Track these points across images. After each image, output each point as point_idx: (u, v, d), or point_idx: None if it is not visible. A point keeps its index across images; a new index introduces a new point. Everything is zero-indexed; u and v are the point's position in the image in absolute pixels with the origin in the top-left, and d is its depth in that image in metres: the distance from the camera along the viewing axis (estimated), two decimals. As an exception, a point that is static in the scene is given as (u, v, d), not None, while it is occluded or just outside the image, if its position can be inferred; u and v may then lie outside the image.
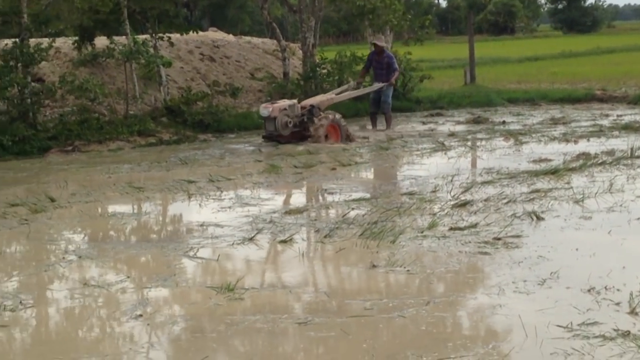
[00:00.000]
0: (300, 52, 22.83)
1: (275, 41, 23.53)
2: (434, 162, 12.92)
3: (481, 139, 15.68)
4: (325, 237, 8.06)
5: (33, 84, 17.29)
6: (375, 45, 18.34)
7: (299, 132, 15.64)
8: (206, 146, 16.68)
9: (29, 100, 16.62)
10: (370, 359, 4.87)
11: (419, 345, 5.09)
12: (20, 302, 6.21)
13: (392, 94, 18.52)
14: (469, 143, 15.25)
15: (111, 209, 10.10)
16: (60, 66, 19.84)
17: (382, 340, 5.23)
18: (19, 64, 16.67)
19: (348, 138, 15.93)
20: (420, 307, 5.82)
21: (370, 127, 18.33)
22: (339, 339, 5.25)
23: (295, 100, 16.16)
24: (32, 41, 17.40)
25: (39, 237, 8.56)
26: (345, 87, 18.50)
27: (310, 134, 15.53)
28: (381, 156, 14.13)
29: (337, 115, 16.00)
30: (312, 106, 15.88)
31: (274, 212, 9.39)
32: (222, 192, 10.92)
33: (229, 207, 9.85)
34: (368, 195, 10.30)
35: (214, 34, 26.35)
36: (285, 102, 15.88)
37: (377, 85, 17.87)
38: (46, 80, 18.83)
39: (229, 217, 9.23)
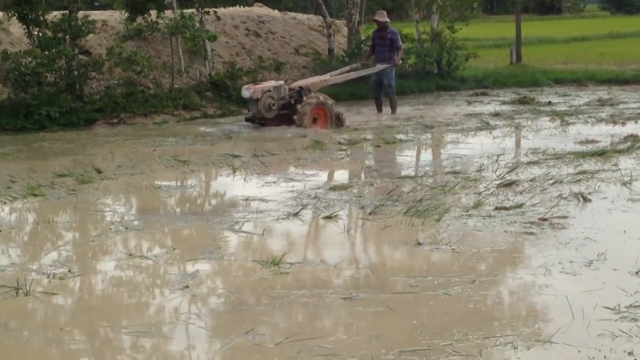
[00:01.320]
0: (345, 29, 22.76)
1: (320, 18, 23.49)
2: (479, 142, 12.86)
3: (527, 119, 15.56)
4: (370, 214, 8.05)
5: (80, 56, 17.42)
6: (376, 21, 17.35)
7: (287, 115, 14.71)
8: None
9: (76, 72, 16.77)
10: (419, 335, 4.86)
11: (464, 323, 5.07)
12: (69, 271, 6.27)
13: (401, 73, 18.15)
14: (515, 123, 15.12)
15: (157, 181, 10.17)
16: (107, 39, 19.93)
17: (428, 317, 5.21)
18: (67, 36, 16.80)
19: (339, 122, 15.03)
20: (465, 285, 5.80)
21: (375, 111, 17.40)
22: (384, 315, 5.24)
23: (282, 82, 15.32)
24: (80, 14, 17.52)
25: (86, 208, 8.63)
26: (346, 68, 17.60)
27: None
28: (425, 134, 14.10)
29: (326, 98, 15.03)
30: (300, 88, 15.05)
31: (319, 188, 9.40)
32: (266, 167, 10.96)
33: (274, 182, 9.87)
34: (412, 173, 10.27)
35: (259, 10, 26.31)
36: (270, 83, 15.08)
37: (378, 67, 16.86)
38: (93, 53, 18.94)
39: (274, 192, 9.25)
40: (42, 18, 16.60)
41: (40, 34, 16.56)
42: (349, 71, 17.08)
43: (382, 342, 4.76)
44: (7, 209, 8.70)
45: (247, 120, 15.14)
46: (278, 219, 7.95)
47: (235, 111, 17.98)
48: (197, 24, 19.02)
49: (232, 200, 9.11)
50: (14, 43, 18.11)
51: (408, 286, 5.80)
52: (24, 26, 16.87)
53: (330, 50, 21.98)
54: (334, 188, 9.39)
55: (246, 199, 8.91)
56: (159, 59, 19.67)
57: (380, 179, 9.92)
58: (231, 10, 23.68)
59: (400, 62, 17.53)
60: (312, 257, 6.78)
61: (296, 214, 8.07)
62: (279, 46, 23.51)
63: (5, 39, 18.21)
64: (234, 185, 9.99)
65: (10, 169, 10.99)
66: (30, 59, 16.04)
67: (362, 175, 10.49)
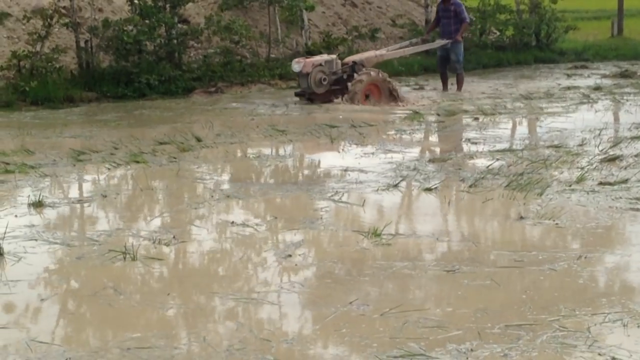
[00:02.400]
0: (443, -1, 22.50)
1: (417, -13, 23.25)
2: (580, 116, 12.62)
3: (629, 94, 15.20)
4: (470, 186, 7.96)
5: (179, 25, 17.61)
6: None
7: (339, 90, 14.31)
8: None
9: (175, 41, 16.96)
10: (525, 309, 4.79)
11: (572, 299, 4.98)
12: (173, 237, 6.35)
13: (464, 50, 16.62)
14: (616, 97, 14.79)
15: (256, 150, 10.23)
16: (205, 8, 20.09)
17: (533, 292, 5.13)
18: (167, 5, 16.98)
19: (395, 99, 14.31)
20: (571, 261, 5.69)
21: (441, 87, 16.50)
22: (489, 289, 5.18)
23: (334, 56, 14.84)
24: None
25: (188, 175, 8.74)
26: (405, 42, 17.13)
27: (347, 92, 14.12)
28: (525, 106, 13.89)
29: (379, 73, 14.32)
30: (354, 62, 14.51)
31: (417, 160, 9.35)
32: (364, 137, 10.92)
33: (372, 153, 9.84)
34: (513, 146, 10.13)
35: (356, -21, 26.18)
36: (322, 57, 14.64)
37: (439, 42, 16.00)
38: (192, 21, 19.12)
39: (372, 163, 9.22)
40: (143, -14, 16.80)
41: (141, 2, 16.76)
42: (407, 46, 16.51)
43: (487, 315, 4.70)
44: (111, 175, 8.86)
45: (296, 95, 14.62)
46: (378, 190, 7.92)
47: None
48: (295, -6, 19.03)
49: (331, 170, 9.10)
50: (115, 11, 18.38)
51: (512, 260, 5.72)
52: (125, -6, 17.12)
53: (427, 21, 21.72)
54: (433, 160, 9.33)
55: (345, 170, 8.91)
56: (256, 28, 19.76)
57: (480, 152, 9.81)
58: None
59: (461, 38, 16.10)
60: (413, 228, 6.73)
61: (396, 186, 8.04)
62: (375, 16, 23.40)
63: (107, 7, 18.49)
64: (333, 155, 9.98)
65: (112, 136, 11.18)
66: (131, 28, 16.26)
67: (461, 148, 10.38)
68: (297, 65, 14.05)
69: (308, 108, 13.95)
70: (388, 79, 14.36)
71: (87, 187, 8.51)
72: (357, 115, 12.74)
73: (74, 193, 8.18)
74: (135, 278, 5.54)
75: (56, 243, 6.25)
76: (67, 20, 16.33)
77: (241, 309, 4.93)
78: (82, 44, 16.32)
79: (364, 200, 7.47)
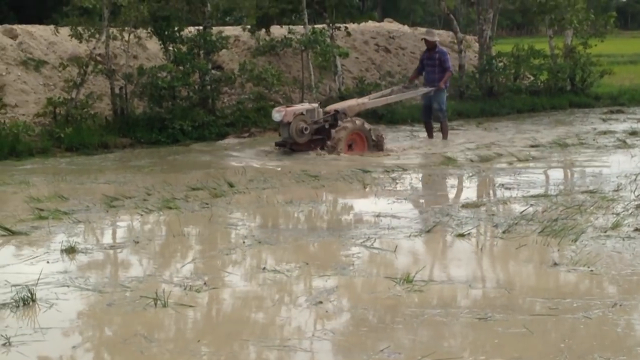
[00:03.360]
0: (476, 45, 22.58)
1: (450, 33, 23.35)
2: (616, 160, 12.55)
3: (666, 138, 15.10)
4: (504, 232, 7.93)
5: (213, 71, 17.78)
6: (425, 41, 15.96)
7: (321, 140, 13.72)
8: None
9: (209, 87, 17.13)
10: (560, 358, 4.75)
11: (607, 347, 4.93)
12: (204, 283, 6.36)
13: (447, 97, 16.04)
14: (653, 142, 14.71)
15: (288, 196, 10.24)
16: (239, 54, 20.28)
17: (568, 340, 5.08)
18: (201, 52, 17.18)
19: (377, 147, 13.88)
20: (606, 308, 5.64)
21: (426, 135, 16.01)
22: (523, 337, 5.14)
23: (316, 104, 14.28)
24: (214, 29, 17.89)
25: (220, 221, 8.76)
26: (387, 90, 16.34)
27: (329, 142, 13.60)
28: (559, 152, 13.84)
29: (363, 123, 13.88)
30: (336, 111, 13.93)
31: (451, 205, 9.32)
32: (397, 182, 10.93)
33: (405, 199, 9.83)
34: (547, 192, 10.08)
35: (389, 25, 26.34)
36: (303, 106, 14.05)
37: (422, 90, 15.52)
38: (225, 67, 19.30)
39: (405, 209, 9.22)
40: (177, 34, 17.03)
41: (176, 50, 16.97)
42: (390, 94, 15.86)
43: (521, 364, 4.67)
44: (143, 221, 8.92)
45: (277, 145, 14.07)
46: (410, 235, 7.91)
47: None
48: (328, 40, 19.17)
49: (363, 216, 9.10)
50: (150, 58, 18.61)
51: (546, 308, 5.68)
52: (160, 42, 17.34)
53: (461, 66, 21.81)
54: (466, 205, 9.30)
55: (377, 215, 8.90)
56: (289, 73, 19.90)
57: (513, 197, 9.76)
58: (361, 26, 23.79)
59: (444, 86, 15.50)
60: (446, 275, 6.70)
61: (428, 231, 8.02)
62: (409, 61, 23.48)
63: (142, 54, 18.73)
64: (365, 201, 9.99)
65: (146, 182, 11.25)
66: (165, 74, 16.44)
67: (495, 193, 10.35)
68: (277, 115, 13.57)
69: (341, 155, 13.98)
70: (372, 128, 14.02)
71: (119, 233, 8.55)
72: (389, 161, 12.78)
73: (106, 239, 8.22)
74: (167, 325, 5.54)
75: (88, 289, 6.28)
76: (102, 67, 16.54)
77: (273, 357, 4.93)
78: (116, 90, 16.51)
79: (396, 246, 7.45)
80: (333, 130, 13.57)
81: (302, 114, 13.52)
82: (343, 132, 13.51)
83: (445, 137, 15.57)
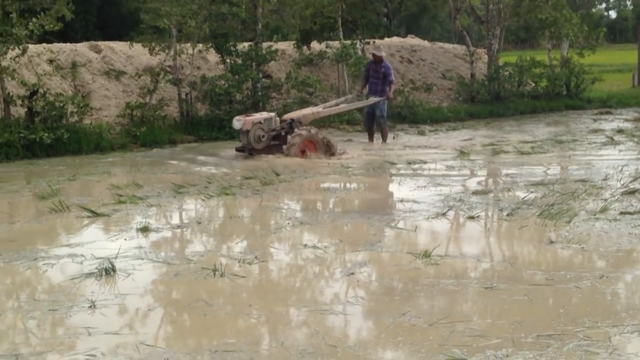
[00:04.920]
0: (485, 56, 22.41)
1: (464, 47, 23.18)
2: (605, 154, 12.43)
3: (648, 135, 14.89)
4: (508, 215, 7.87)
5: (263, 79, 17.80)
6: (374, 55, 15.14)
7: (278, 146, 12.97)
8: (403, 135, 16.68)
9: (260, 93, 17.14)
10: (554, 322, 4.71)
11: (595, 313, 4.88)
12: (255, 257, 6.38)
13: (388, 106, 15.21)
14: (637, 138, 14.51)
15: (326, 184, 10.24)
16: (285, 65, 20.28)
17: (562, 306, 5.03)
18: (254, 63, 17.21)
19: (329, 153, 12.91)
20: (595, 280, 5.59)
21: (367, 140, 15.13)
22: (524, 304, 5.10)
23: (273, 114, 13.43)
24: (264, 44, 17.91)
25: (268, 205, 8.77)
26: (341, 99, 15.41)
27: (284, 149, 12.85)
28: (558, 147, 13.71)
29: (314, 131, 13.03)
30: (292, 120, 13.22)
31: (463, 192, 9.27)
32: (418, 173, 10.89)
33: (424, 187, 9.79)
34: (545, 181, 9.98)
35: (412, 40, 26.20)
36: (261, 115, 13.23)
37: (372, 100, 14.55)
38: (273, 76, 19.31)
39: (424, 195, 9.17)
40: (233, 48, 17.07)
41: (232, 62, 17.01)
42: (344, 102, 14.94)
43: (522, 327, 4.63)
44: (205, 205, 8.95)
45: (237, 150, 13.24)
46: (428, 218, 7.87)
47: (391, 126, 17.90)
48: (359, 52, 19.14)
49: (388, 201, 9.09)
50: (210, 69, 18.66)
51: (544, 279, 5.63)
52: (219, 55, 17.38)
53: (472, 75, 21.69)
54: (476, 192, 9.24)
55: (401, 200, 8.88)
56: (327, 81, 19.90)
57: (517, 186, 9.68)
58: (388, 41, 23.68)
59: (393, 96, 15.17)
60: (458, 251, 6.66)
61: (444, 214, 7.98)
62: (428, 71, 23.37)
63: (204, 65, 18.79)
64: (391, 188, 9.96)
65: (207, 173, 11.28)
66: (223, 82, 16.49)
67: (501, 182, 10.27)
68: (237, 123, 12.86)
69: (371, 147, 13.96)
70: (323, 136, 13.09)
71: (185, 215, 8.59)
72: (411, 155, 12.74)
73: (174, 220, 8.27)
74: (224, 292, 5.57)
75: (159, 262, 6.33)
76: (171, 76, 16.63)
77: (312, 318, 4.94)
78: (183, 96, 16.60)
79: (416, 227, 7.44)
80: (289, 137, 12.84)
81: (260, 122, 12.85)
82: (298, 138, 12.75)
83: (384, 140, 14.81)
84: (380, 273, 5.98)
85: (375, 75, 14.68)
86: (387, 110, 14.84)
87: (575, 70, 22.84)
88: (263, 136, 12.78)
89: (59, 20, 13.82)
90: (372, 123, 14.87)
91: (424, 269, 6.00)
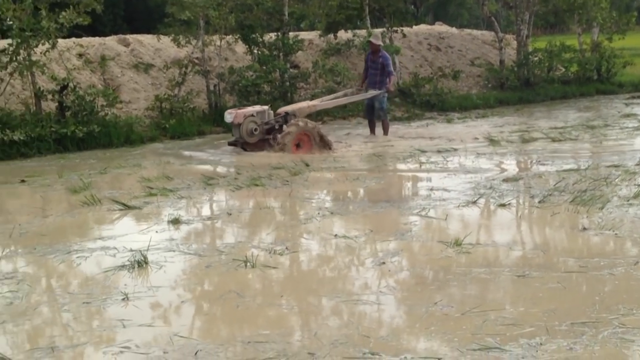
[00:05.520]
0: (515, 42, 22.26)
1: (492, 33, 23.05)
2: (637, 139, 12.28)
3: (681, 119, 14.71)
4: (539, 202, 7.81)
5: (291, 69, 17.81)
6: (370, 43, 14.51)
7: (273, 139, 12.50)
8: (432, 123, 16.64)
9: (287, 83, 17.17)
10: (588, 309, 4.67)
11: (629, 299, 4.82)
12: (286, 248, 6.39)
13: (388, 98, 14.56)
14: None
15: (355, 173, 10.23)
16: (312, 55, 20.26)
17: (596, 294, 4.99)
18: (281, 53, 17.22)
19: (324, 146, 12.43)
20: (629, 266, 5.53)
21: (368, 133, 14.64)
22: (557, 291, 5.06)
23: (266, 107, 12.92)
24: (291, 34, 17.93)
25: (298, 196, 8.78)
26: (340, 93, 14.91)
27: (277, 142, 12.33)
28: (590, 133, 13.58)
29: (308, 123, 12.40)
30: (286, 113, 12.78)
31: (494, 180, 9.21)
32: (448, 160, 10.85)
33: (454, 174, 9.75)
34: (577, 167, 9.90)
35: (440, 27, 26.07)
36: (254, 108, 12.72)
37: (371, 93, 13.99)
38: (301, 66, 19.31)
39: (454, 183, 9.13)
40: (260, 39, 17.10)
41: (259, 52, 17.04)
42: (342, 96, 14.41)
43: (555, 314, 4.60)
44: (234, 196, 8.99)
45: (229, 144, 12.89)
46: (459, 206, 7.84)
47: (420, 114, 18.01)
48: (387, 41, 19.06)
49: (418, 189, 9.06)
50: (238, 60, 18.70)
51: (577, 266, 5.58)
52: (246, 46, 17.43)
53: (501, 61, 21.55)
54: (507, 180, 9.18)
55: (431, 189, 8.84)
56: (354, 70, 19.83)
57: (548, 172, 9.61)
58: (415, 28, 23.56)
59: (393, 88, 14.63)
60: (489, 239, 6.62)
61: (474, 202, 7.94)
62: (457, 58, 23.25)
63: (231, 56, 18.82)
64: (421, 176, 9.93)
65: (235, 163, 11.31)
66: (251, 73, 16.53)
67: (532, 169, 10.20)
68: (229, 116, 12.44)
69: (403, 136, 13.92)
70: (318, 128, 12.54)
71: (215, 206, 8.64)
72: (443, 142, 12.69)
73: (204, 212, 8.31)
74: (255, 283, 5.58)
75: (190, 254, 6.36)
76: (199, 68, 16.69)
77: (344, 308, 4.94)
78: (211, 87, 16.65)
79: (447, 215, 7.40)
80: (284, 128, 12.42)
81: (252, 115, 12.40)
82: (288, 136, 12.17)
83: (385, 133, 14.25)
84: (411, 262, 5.97)
85: (373, 66, 14.14)
86: (386, 102, 14.27)
87: (606, 55, 22.64)
88: (255, 129, 12.36)
89: (89, 13, 13.91)
90: (372, 115, 14.40)
91: (456, 258, 5.97)
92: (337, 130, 15.26)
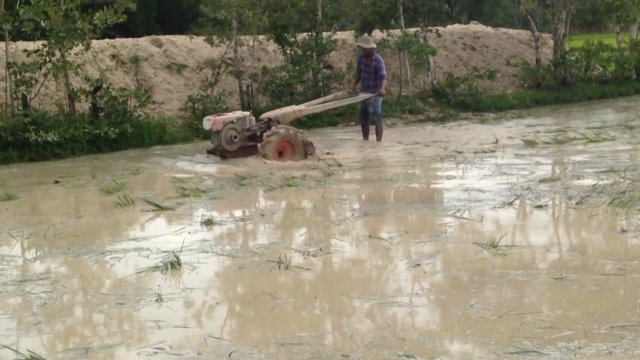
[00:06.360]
0: (551, 41, 22.08)
1: (528, 32, 22.88)
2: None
3: None
4: (577, 203, 7.73)
5: (324, 70, 17.82)
6: (361, 48, 13.92)
7: (254, 147, 11.82)
8: (466, 123, 16.55)
9: (320, 83, 17.18)
10: (628, 313, 4.61)
11: (670, 303, 4.78)
12: (320, 249, 6.39)
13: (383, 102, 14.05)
14: None
15: (389, 174, 10.20)
16: (346, 55, 20.26)
17: (637, 297, 4.93)
18: (314, 53, 17.24)
19: (308, 154, 11.82)
20: (670, 269, 5.47)
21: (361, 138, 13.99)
22: (595, 294, 5.00)
23: (248, 113, 12.42)
24: (324, 34, 17.93)
25: (331, 197, 8.78)
26: (330, 96, 14.22)
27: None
28: (628, 133, 13.42)
29: (291, 130, 11.80)
30: (269, 119, 12.19)
31: (530, 181, 9.14)
32: (484, 161, 10.78)
33: (490, 175, 9.69)
34: (616, 168, 9.78)
35: (474, 27, 25.93)
36: (234, 114, 12.20)
37: (361, 96, 13.43)
38: (334, 66, 19.31)
39: (490, 184, 9.07)
40: (293, 39, 17.13)
41: (292, 52, 17.07)
42: (332, 100, 13.77)
43: (594, 318, 4.55)
44: (268, 197, 9.01)
45: (208, 152, 12.23)
46: (494, 207, 7.78)
47: (454, 114, 17.92)
48: (421, 40, 19.01)
49: (453, 190, 9.00)
50: (271, 60, 18.74)
51: (616, 269, 5.52)
52: (279, 46, 17.47)
53: (538, 61, 21.39)
54: (544, 181, 9.10)
55: (466, 189, 8.79)
56: (388, 70, 19.77)
57: (586, 173, 9.51)
58: (450, 28, 23.46)
59: (385, 92, 13.92)
60: (526, 241, 6.57)
61: (510, 203, 7.88)
62: (492, 58, 23.11)
63: (264, 57, 18.87)
64: (456, 177, 9.87)
65: (269, 164, 11.33)
66: (284, 73, 16.57)
67: (570, 170, 10.10)
68: (207, 123, 11.85)
69: (438, 137, 13.86)
70: (301, 134, 11.89)
71: (248, 207, 8.65)
72: (476, 144, 12.61)
73: (237, 212, 8.33)
74: (289, 284, 5.59)
75: (223, 255, 6.38)
76: (232, 69, 16.76)
77: (378, 310, 4.92)
78: (244, 88, 16.72)
79: (482, 217, 7.35)
80: (265, 136, 11.71)
81: (232, 122, 11.84)
82: (268, 145, 11.55)
83: (379, 139, 13.57)
84: (446, 264, 5.93)
85: (366, 69, 13.54)
86: (380, 106, 13.67)
87: (645, 52, 22.40)
88: (235, 137, 11.77)
89: (124, 12, 14.02)
90: (365, 120, 13.79)
91: (491, 260, 5.93)
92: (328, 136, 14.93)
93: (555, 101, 20.12)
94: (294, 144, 11.75)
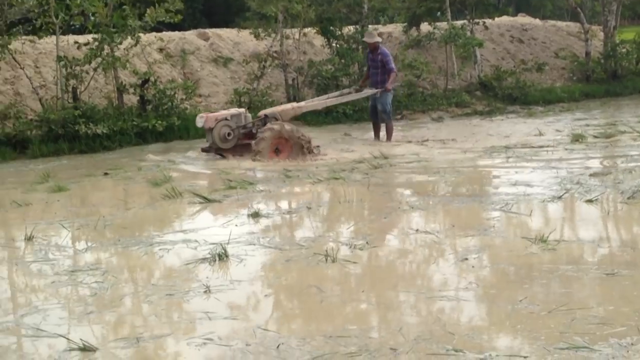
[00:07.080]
0: (601, 33, 21.77)
1: (577, 24, 22.59)
2: None
3: None
4: (628, 198, 7.61)
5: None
6: (366, 42, 13.64)
7: (250, 145, 11.57)
8: (514, 117, 16.40)
9: (366, 76, 17.14)
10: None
11: None
12: (367, 242, 6.38)
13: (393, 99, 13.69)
14: None
15: (436, 167, 10.15)
16: (392, 48, 20.17)
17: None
18: (360, 46, 17.21)
19: (307, 151, 11.50)
20: None
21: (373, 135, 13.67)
22: (648, 290, 4.95)
23: (243, 110, 12.21)
24: (370, 27, 17.92)
25: (378, 190, 8.76)
26: (335, 93, 13.85)
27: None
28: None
29: (287, 126, 11.45)
30: (265, 116, 11.90)
31: (581, 175, 9.02)
32: (532, 155, 10.68)
33: (540, 169, 9.59)
34: (668, 162, 9.63)
35: (522, 19, 25.67)
36: (229, 112, 11.97)
37: (366, 92, 13.14)
38: (380, 60, 19.25)
39: (539, 178, 8.98)
40: (339, 32, 17.12)
41: (338, 45, 17.07)
42: (337, 96, 13.47)
43: (646, 314, 4.49)
44: (314, 189, 9.02)
45: (202, 150, 11.99)
46: (544, 201, 7.70)
47: (501, 108, 17.81)
48: (468, 33, 18.89)
49: (502, 184, 8.93)
50: (317, 53, 18.76)
51: (669, 265, 5.44)
52: (325, 39, 17.46)
53: (587, 53, 21.12)
54: (594, 174, 8.98)
55: (514, 184, 8.71)
56: (435, 63, 19.72)
57: (638, 167, 9.36)
58: (497, 20, 23.24)
59: (392, 86, 13.24)
60: (576, 235, 6.50)
61: (560, 197, 7.79)
62: (540, 50, 22.86)
63: (310, 50, 18.90)
64: (505, 171, 9.78)
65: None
66: (330, 66, 16.57)
67: (622, 164, 9.95)
68: (200, 120, 11.67)
69: (485, 130, 13.75)
70: (296, 131, 11.52)
71: (294, 200, 8.68)
72: (528, 139, 12.51)
73: (284, 205, 8.36)
74: (335, 277, 5.59)
75: (270, 247, 6.41)
76: (277, 62, 16.82)
77: (426, 304, 4.91)
78: (290, 81, 16.78)
79: (531, 211, 7.28)
80: (259, 132, 11.53)
81: (226, 119, 11.61)
82: (262, 142, 11.26)
83: (389, 138, 13.12)
84: (494, 259, 5.88)
85: (373, 64, 13.16)
86: (390, 103, 13.22)
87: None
88: (229, 134, 11.58)
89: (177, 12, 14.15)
90: (376, 117, 13.35)
91: (540, 255, 5.86)
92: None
93: (605, 94, 19.85)
94: (290, 141, 11.40)
